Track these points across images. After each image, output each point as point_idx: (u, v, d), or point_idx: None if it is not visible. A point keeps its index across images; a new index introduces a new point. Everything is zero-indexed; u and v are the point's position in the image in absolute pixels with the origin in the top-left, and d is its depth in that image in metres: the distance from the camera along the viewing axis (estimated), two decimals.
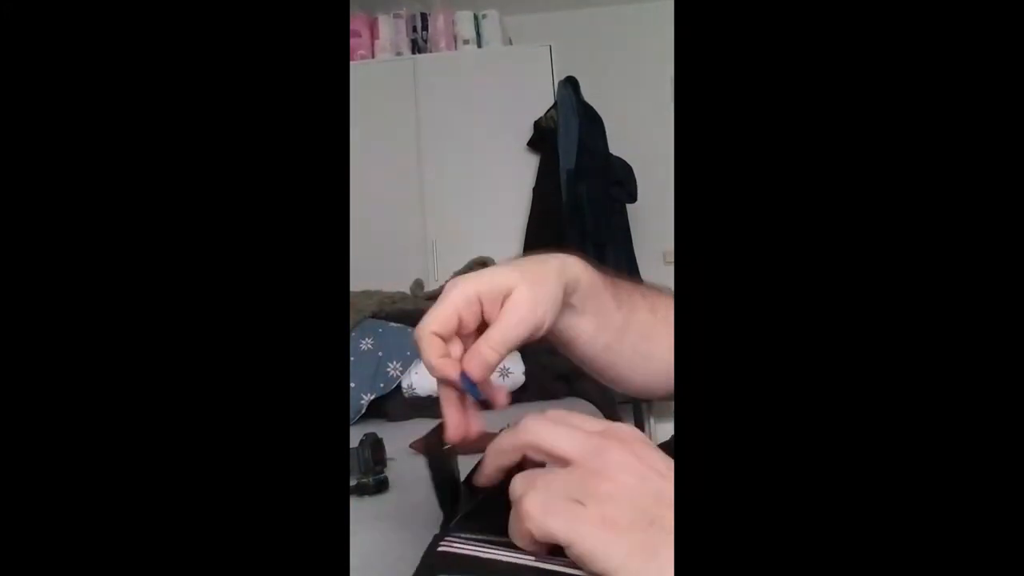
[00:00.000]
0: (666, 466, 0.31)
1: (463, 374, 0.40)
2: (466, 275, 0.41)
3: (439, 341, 0.39)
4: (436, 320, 0.39)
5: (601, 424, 0.33)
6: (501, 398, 0.41)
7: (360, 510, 0.52)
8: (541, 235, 2.70)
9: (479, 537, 0.33)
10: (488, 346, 0.39)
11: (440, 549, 0.33)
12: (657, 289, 0.51)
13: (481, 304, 0.40)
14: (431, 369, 0.40)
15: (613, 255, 2.68)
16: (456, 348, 0.40)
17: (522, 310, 0.39)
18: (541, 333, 0.41)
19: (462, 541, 0.33)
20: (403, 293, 1.51)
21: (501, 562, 0.32)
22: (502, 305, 0.40)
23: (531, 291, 0.40)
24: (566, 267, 0.43)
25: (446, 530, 0.34)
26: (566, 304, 0.43)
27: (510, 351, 0.40)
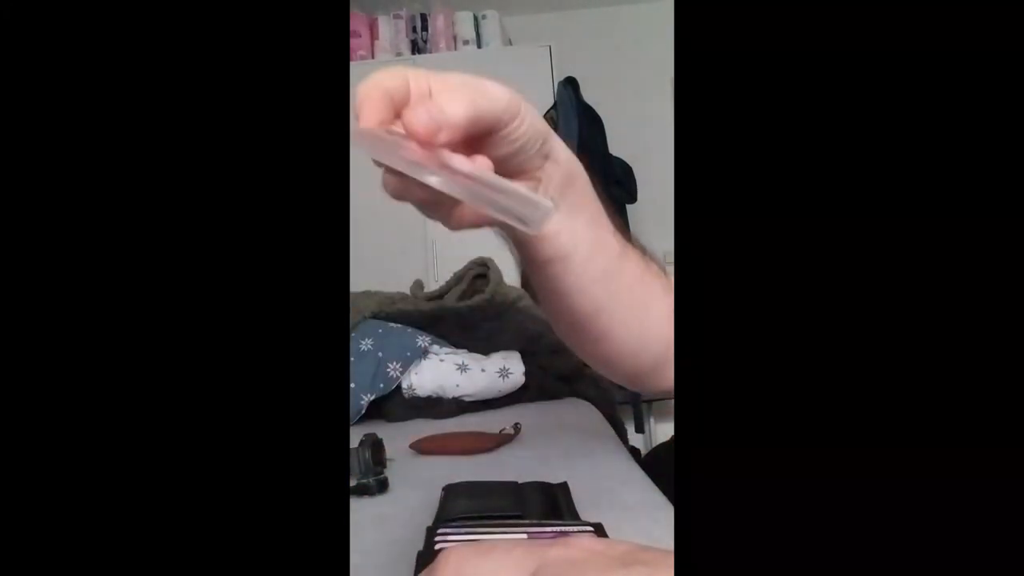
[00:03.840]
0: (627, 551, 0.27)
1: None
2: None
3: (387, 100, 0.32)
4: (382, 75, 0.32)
5: (535, 553, 0.27)
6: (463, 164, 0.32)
7: (360, 510, 0.52)
8: None
9: (469, 521, 0.34)
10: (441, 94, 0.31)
11: (437, 548, 0.33)
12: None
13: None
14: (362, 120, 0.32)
15: None
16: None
17: (493, 87, 0.33)
18: (516, 134, 0.34)
19: (454, 530, 0.33)
20: (403, 293, 1.51)
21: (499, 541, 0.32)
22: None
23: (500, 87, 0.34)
24: (554, 139, 0.38)
25: (436, 526, 0.34)
26: (563, 197, 0.38)
27: (468, 110, 0.32)
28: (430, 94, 0.33)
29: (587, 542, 0.27)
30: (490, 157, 0.33)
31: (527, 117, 0.36)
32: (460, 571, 0.27)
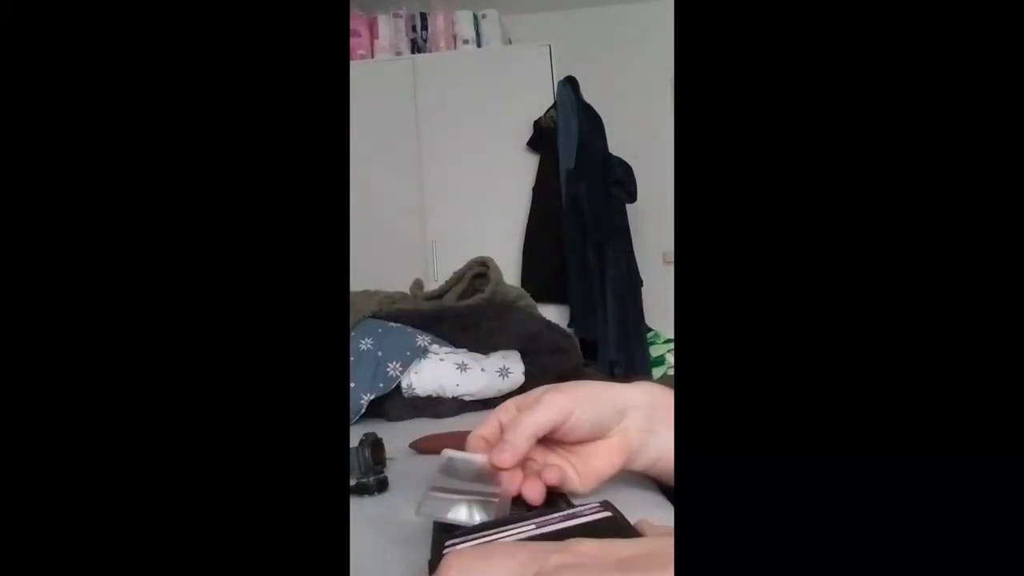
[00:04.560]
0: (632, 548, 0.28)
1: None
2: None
3: (485, 443, 0.45)
4: (481, 427, 0.46)
5: (536, 558, 0.27)
6: (533, 494, 0.42)
7: (360, 510, 0.52)
8: (541, 235, 2.71)
9: (478, 529, 0.34)
10: (510, 432, 0.43)
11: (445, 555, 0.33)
12: None
13: (517, 410, 0.45)
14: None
15: (613, 255, 2.69)
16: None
17: (545, 401, 0.44)
18: (577, 425, 0.44)
19: (461, 538, 0.33)
20: (403, 293, 1.51)
21: (508, 543, 0.32)
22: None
23: (560, 391, 0.44)
24: (622, 392, 0.47)
25: (443, 542, 0.34)
26: (652, 429, 0.47)
27: (534, 435, 0.43)
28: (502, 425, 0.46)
29: (587, 547, 0.28)
30: (568, 438, 0.45)
31: (579, 415, 0.44)
32: None
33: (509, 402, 0.47)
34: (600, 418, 0.45)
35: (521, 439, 0.42)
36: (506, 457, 0.41)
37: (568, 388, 0.45)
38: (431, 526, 0.38)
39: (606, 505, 0.35)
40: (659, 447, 0.47)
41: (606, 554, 0.27)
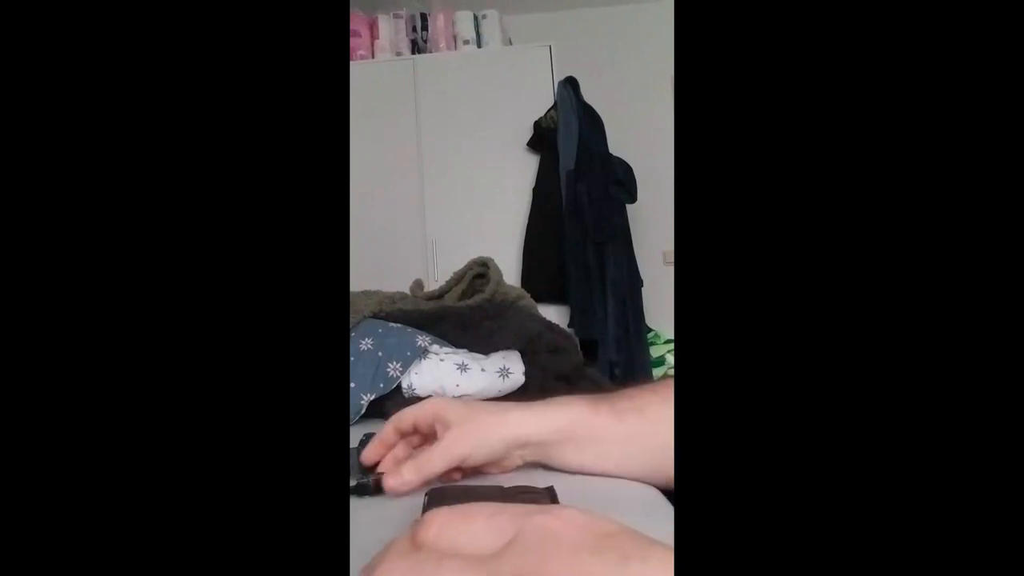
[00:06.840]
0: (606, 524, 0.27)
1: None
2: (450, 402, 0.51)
3: (393, 436, 0.51)
4: (399, 418, 0.50)
5: (517, 520, 0.28)
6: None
7: (360, 510, 0.52)
8: (541, 235, 2.71)
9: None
10: (408, 468, 0.47)
11: (432, 488, 0.39)
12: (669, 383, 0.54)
13: (435, 423, 0.49)
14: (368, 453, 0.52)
15: (613, 255, 2.69)
16: (401, 449, 0.52)
17: (445, 445, 0.47)
18: (473, 463, 0.48)
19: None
20: (403, 293, 1.51)
21: (479, 487, 0.42)
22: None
23: (460, 434, 0.47)
24: (519, 424, 0.49)
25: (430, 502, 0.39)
26: (562, 444, 0.50)
27: (428, 477, 0.47)
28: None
29: (571, 514, 0.27)
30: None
31: (474, 457, 0.48)
32: (442, 533, 0.28)
33: (408, 416, 0.50)
34: (493, 455, 0.49)
35: (415, 478, 0.47)
36: (399, 488, 0.47)
37: (467, 430, 0.47)
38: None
39: (550, 492, 0.39)
40: (579, 463, 0.50)
41: (589, 525, 0.26)
